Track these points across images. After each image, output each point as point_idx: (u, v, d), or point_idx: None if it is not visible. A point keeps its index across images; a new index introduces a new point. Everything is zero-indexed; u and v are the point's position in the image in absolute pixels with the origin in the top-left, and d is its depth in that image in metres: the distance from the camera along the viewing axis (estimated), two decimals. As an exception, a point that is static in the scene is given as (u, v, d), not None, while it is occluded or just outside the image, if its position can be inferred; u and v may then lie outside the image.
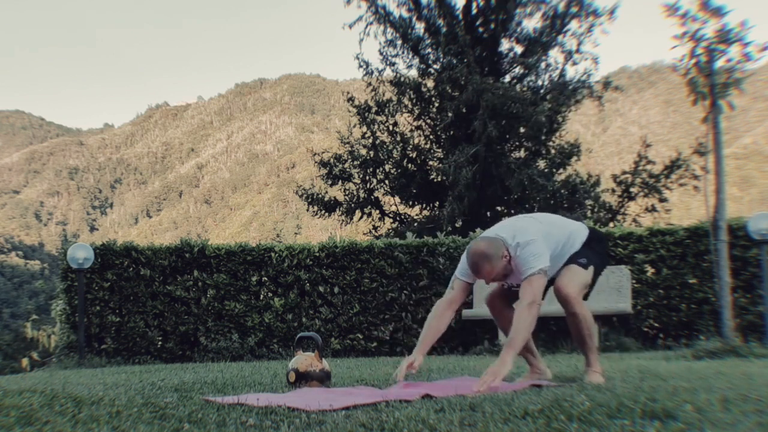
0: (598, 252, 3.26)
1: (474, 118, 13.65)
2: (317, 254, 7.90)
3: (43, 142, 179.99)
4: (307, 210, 15.82)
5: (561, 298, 3.12)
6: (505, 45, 15.20)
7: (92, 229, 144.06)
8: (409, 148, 15.03)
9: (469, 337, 7.50)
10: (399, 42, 15.11)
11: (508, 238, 3.05)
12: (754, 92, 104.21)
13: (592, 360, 3.17)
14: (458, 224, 13.92)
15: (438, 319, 3.17)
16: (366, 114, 15.18)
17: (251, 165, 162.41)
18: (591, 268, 3.18)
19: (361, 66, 15.47)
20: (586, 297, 3.27)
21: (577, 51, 14.78)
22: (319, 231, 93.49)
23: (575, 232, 3.24)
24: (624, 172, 14.91)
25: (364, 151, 15.33)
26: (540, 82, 15.12)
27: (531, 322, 2.93)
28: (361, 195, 15.34)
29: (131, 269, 7.84)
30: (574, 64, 14.87)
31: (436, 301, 7.78)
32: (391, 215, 15.62)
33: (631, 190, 14.61)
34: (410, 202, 15.46)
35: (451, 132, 14.78)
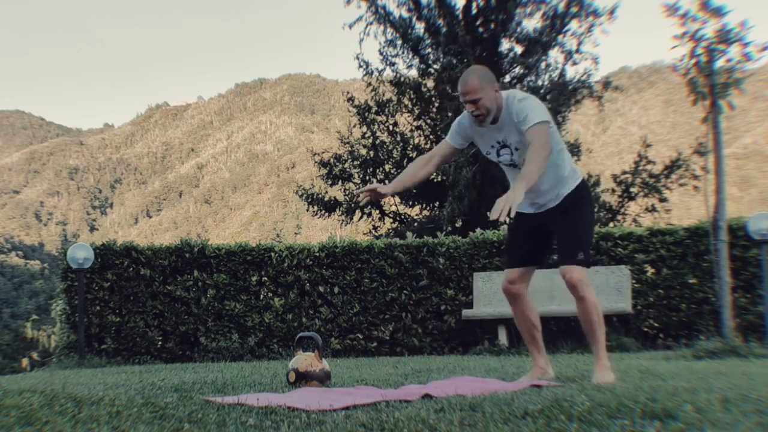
0: (590, 214, 3.30)
1: (474, 118, 13.65)
2: (317, 254, 7.90)
3: (43, 142, 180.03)
4: (307, 210, 15.80)
5: (567, 283, 3.10)
6: (505, 45, 15.19)
7: (92, 229, 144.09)
8: (409, 148, 15.03)
9: (469, 337, 7.50)
10: (399, 42, 15.09)
11: (506, 92, 3.10)
12: (754, 92, 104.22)
13: (600, 353, 3.11)
14: (458, 224, 13.91)
15: (416, 166, 3.30)
16: (366, 114, 15.17)
17: (251, 165, 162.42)
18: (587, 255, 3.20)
19: (361, 66, 15.46)
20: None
21: (577, 51, 14.76)
22: (319, 231, 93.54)
23: (570, 163, 3.24)
24: (624, 172, 14.90)
25: (364, 151, 15.32)
26: (540, 82, 15.10)
27: (545, 159, 2.90)
28: (361, 195, 15.34)
29: (131, 269, 7.85)
30: (574, 64, 14.85)
31: (435, 301, 7.74)
32: (391, 215, 15.61)
33: (631, 190, 14.61)
34: (410, 202, 15.45)
35: (451, 132, 14.77)
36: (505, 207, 2.69)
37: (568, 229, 3.17)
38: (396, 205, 15.62)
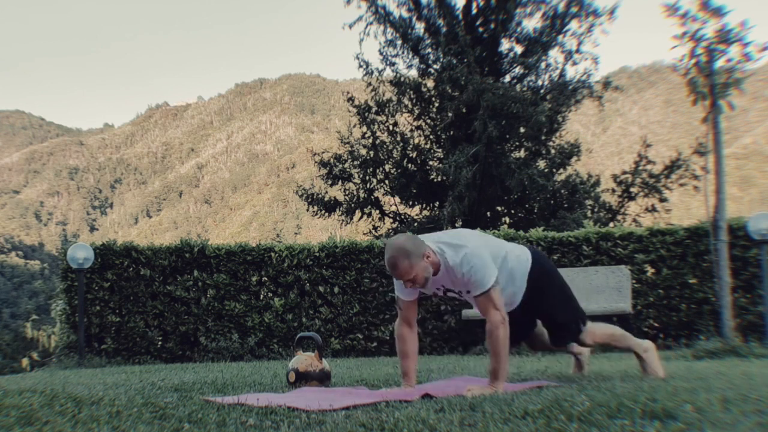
0: (559, 286, 3.15)
1: (474, 118, 13.65)
2: (317, 254, 7.90)
3: (43, 142, 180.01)
4: (307, 210, 15.79)
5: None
6: (505, 45, 15.20)
7: (92, 229, 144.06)
8: (409, 148, 15.03)
9: (469, 337, 7.50)
10: (399, 42, 15.10)
11: (440, 247, 2.82)
12: (754, 92, 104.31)
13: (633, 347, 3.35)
14: (458, 224, 13.92)
15: (406, 343, 3.01)
16: (366, 114, 15.16)
17: (251, 165, 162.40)
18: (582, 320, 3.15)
19: (361, 66, 15.46)
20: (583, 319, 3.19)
21: (577, 51, 14.77)
22: (319, 231, 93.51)
23: (513, 251, 3.06)
24: (624, 172, 14.90)
25: (364, 151, 15.32)
26: (540, 82, 15.11)
27: (507, 343, 2.76)
28: (361, 195, 15.33)
29: (131, 269, 7.84)
30: (574, 64, 14.86)
31: (435, 301, 7.71)
32: (391, 215, 15.61)
33: (631, 190, 14.61)
34: (410, 202, 15.45)
35: (451, 132, 14.77)
36: (475, 392, 2.59)
37: (545, 319, 3.16)
38: (396, 205, 15.62)
